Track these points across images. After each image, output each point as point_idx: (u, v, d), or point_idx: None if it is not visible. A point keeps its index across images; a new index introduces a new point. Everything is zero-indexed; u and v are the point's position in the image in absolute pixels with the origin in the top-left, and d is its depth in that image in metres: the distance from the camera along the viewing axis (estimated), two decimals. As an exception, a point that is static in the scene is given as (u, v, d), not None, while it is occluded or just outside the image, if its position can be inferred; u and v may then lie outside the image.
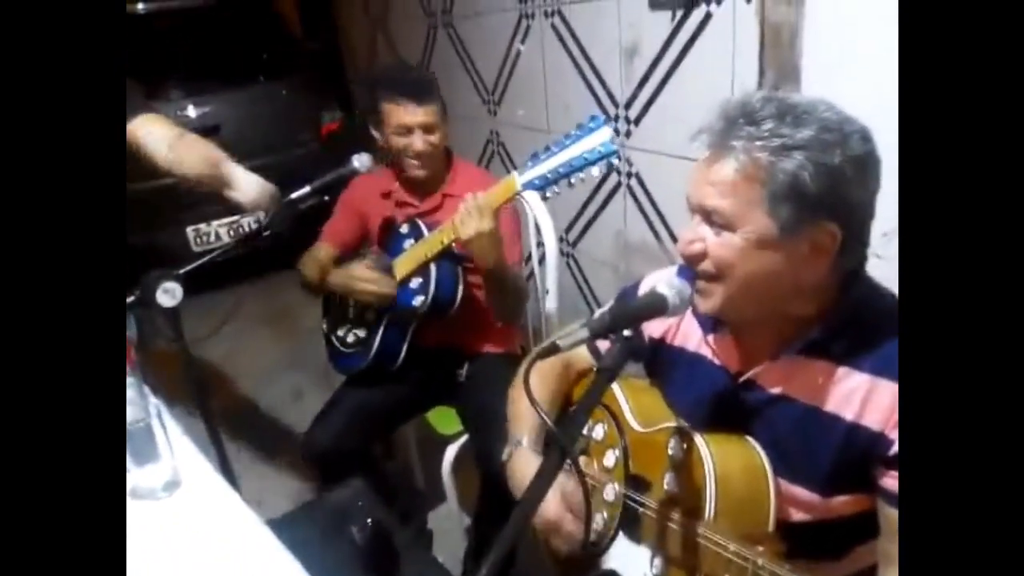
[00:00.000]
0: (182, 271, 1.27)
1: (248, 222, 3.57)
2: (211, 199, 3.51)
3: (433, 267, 1.61)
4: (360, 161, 1.63)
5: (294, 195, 1.54)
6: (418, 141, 1.67)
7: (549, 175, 1.31)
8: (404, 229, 1.71)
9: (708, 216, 0.82)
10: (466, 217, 1.43)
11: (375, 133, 1.75)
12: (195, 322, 1.35)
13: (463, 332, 1.78)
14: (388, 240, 1.75)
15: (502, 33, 2.70)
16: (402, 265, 1.67)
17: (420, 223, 1.67)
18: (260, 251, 1.52)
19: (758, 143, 0.76)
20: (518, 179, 1.38)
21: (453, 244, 1.53)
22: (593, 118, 1.26)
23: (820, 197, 0.76)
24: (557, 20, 2.40)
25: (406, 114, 1.65)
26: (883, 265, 1.45)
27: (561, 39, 2.40)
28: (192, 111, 3.52)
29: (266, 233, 1.54)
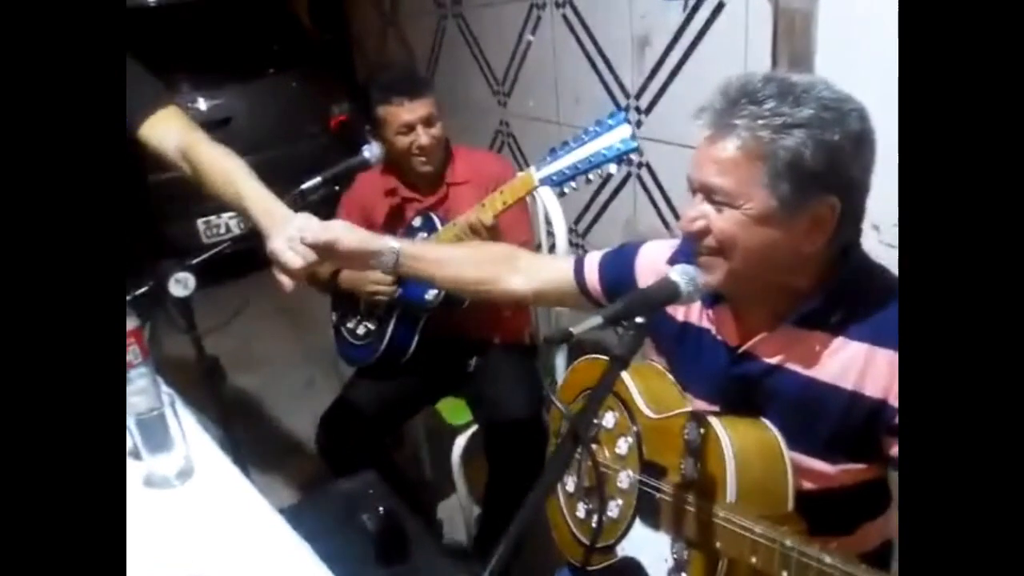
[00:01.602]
0: (194, 261, 1.27)
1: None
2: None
3: None
4: (371, 151, 1.63)
5: (305, 185, 1.54)
6: (422, 136, 1.68)
7: (567, 171, 1.30)
8: (417, 223, 1.70)
9: (710, 194, 0.84)
10: (464, 231, 1.48)
11: (376, 141, 1.73)
12: (205, 314, 1.35)
13: (473, 323, 1.78)
14: (399, 234, 1.74)
15: (512, 23, 2.69)
16: None
17: (433, 216, 1.67)
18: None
19: (760, 121, 0.78)
20: (535, 174, 1.37)
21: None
22: (613, 114, 1.25)
23: (820, 173, 0.78)
24: (568, 10, 2.38)
25: (404, 112, 1.67)
26: (895, 254, 1.44)
27: (572, 29, 2.39)
28: (202, 104, 3.53)
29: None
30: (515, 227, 1.67)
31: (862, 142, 0.80)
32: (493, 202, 1.47)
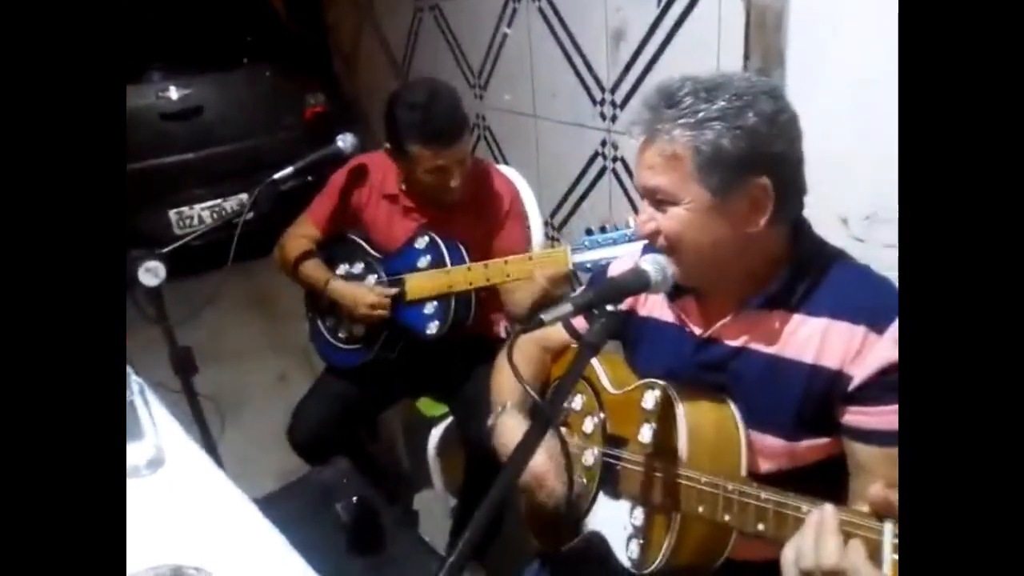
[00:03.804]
0: (164, 251, 1.26)
1: (230, 206, 3.54)
2: (194, 182, 3.51)
3: (453, 298, 1.58)
4: (344, 141, 1.62)
5: (277, 175, 1.54)
6: (455, 178, 1.56)
7: (604, 264, 1.27)
8: (420, 244, 1.63)
9: (653, 196, 0.89)
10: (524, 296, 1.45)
11: (393, 160, 1.62)
12: (175, 306, 1.34)
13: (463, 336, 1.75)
14: (396, 246, 1.69)
15: (488, 16, 2.69)
16: (418, 285, 1.61)
17: (439, 243, 1.60)
18: (241, 235, 1.48)
19: (680, 122, 0.83)
20: (570, 257, 1.34)
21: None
22: None
23: (743, 157, 0.83)
24: (544, 3, 2.39)
25: (441, 158, 1.52)
26: (864, 248, 1.48)
27: (548, 22, 2.39)
28: (174, 93, 3.47)
29: (249, 215, 1.53)
30: (519, 248, 1.64)
31: (777, 120, 0.84)
32: (522, 266, 1.45)
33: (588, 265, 1.31)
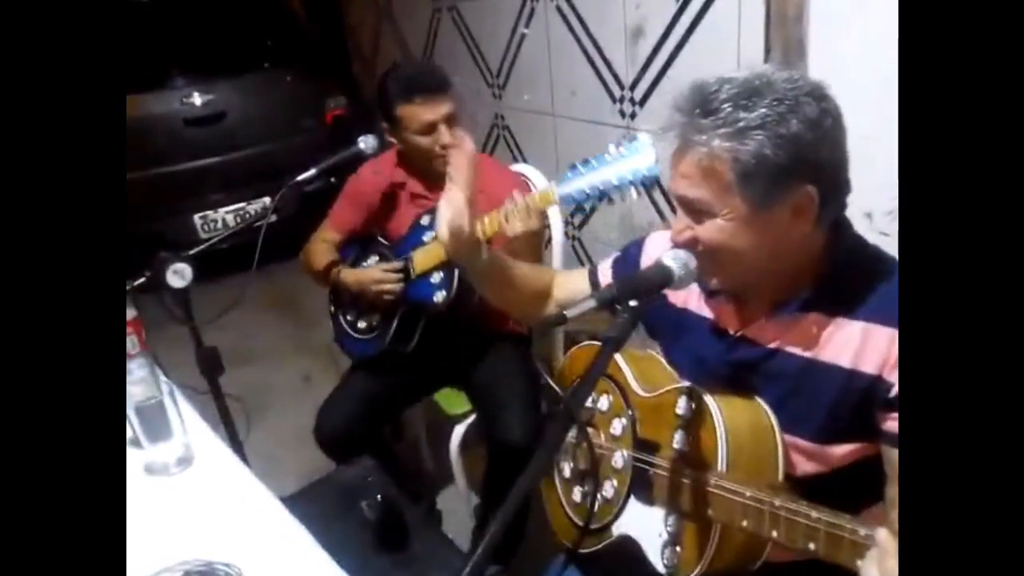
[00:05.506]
0: (191, 252, 1.28)
1: (254, 209, 3.59)
2: (218, 186, 3.56)
3: (456, 266, 1.58)
4: (365, 143, 1.64)
5: (300, 177, 1.56)
6: (445, 135, 1.61)
7: (588, 191, 1.26)
8: (424, 222, 1.66)
9: (689, 206, 0.85)
10: (513, 215, 1.37)
11: (392, 139, 1.70)
12: (202, 309, 1.36)
13: (474, 318, 1.77)
14: (405, 231, 1.72)
15: (506, 16, 2.69)
16: (423, 259, 1.63)
17: None
18: (265, 238, 1.51)
19: (718, 132, 0.78)
20: (555, 190, 1.34)
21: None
22: (635, 138, 1.21)
23: (786, 166, 0.78)
24: (562, 2, 2.39)
25: (426, 111, 1.60)
26: (889, 242, 1.45)
27: (566, 21, 2.39)
28: (197, 99, 3.51)
29: (273, 217, 1.56)
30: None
31: (821, 124, 0.79)
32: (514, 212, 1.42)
33: (574, 195, 1.28)
